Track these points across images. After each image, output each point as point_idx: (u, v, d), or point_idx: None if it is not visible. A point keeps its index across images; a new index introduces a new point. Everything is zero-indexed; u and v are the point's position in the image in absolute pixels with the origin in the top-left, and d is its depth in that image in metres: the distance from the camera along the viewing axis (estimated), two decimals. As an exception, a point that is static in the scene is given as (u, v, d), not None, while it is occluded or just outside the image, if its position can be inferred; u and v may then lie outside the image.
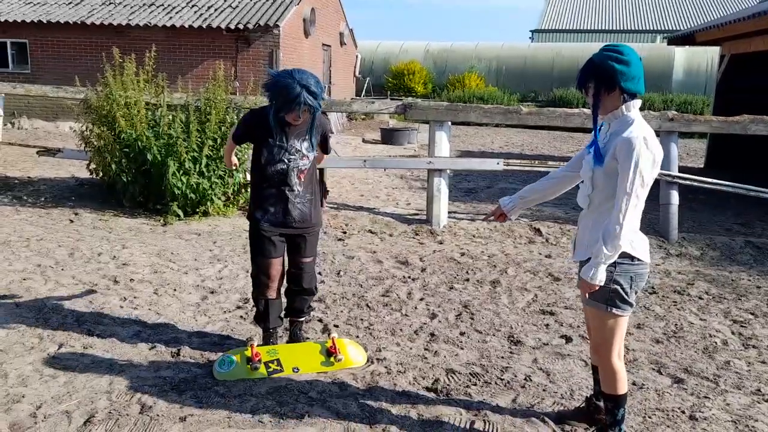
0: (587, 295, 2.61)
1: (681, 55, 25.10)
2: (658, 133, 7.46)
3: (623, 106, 2.53)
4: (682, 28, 28.82)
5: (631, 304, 2.63)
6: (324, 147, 3.65)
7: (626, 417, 3.06)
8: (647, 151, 2.42)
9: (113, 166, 6.87)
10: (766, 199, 6.88)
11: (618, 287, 2.56)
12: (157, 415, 2.96)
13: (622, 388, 2.71)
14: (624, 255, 2.53)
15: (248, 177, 7.16)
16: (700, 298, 4.96)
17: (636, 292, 2.63)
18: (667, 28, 36.42)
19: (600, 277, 2.49)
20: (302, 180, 3.45)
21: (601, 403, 2.95)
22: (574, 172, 2.91)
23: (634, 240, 2.53)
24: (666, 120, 6.64)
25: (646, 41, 34.29)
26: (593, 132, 2.64)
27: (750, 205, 8.46)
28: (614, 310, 2.60)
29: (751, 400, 3.32)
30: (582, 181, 2.78)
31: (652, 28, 39.58)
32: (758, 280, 5.47)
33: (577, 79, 2.63)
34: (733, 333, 4.25)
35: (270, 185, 3.42)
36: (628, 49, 2.52)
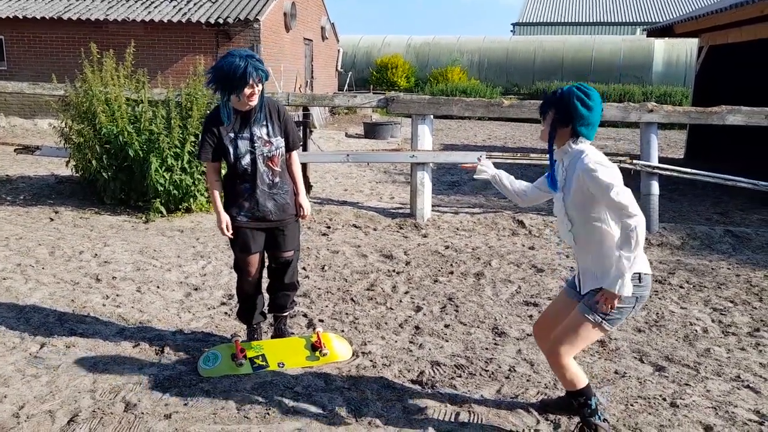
0: (588, 304, 2.64)
1: (660, 46, 25.34)
2: (637, 125, 7.54)
3: (570, 141, 2.65)
4: (661, 20, 29.09)
5: (620, 322, 2.70)
6: (287, 140, 3.46)
7: (609, 405, 3.11)
8: (608, 168, 2.53)
9: (94, 162, 6.79)
10: (744, 189, 6.99)
11: (623, 306, 2.60)
12: (142, 413, 2.95)
13: (583, 380, 2.75)
14: (633, 276, 2.55)
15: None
16: (681, 287, 5.03)
17: (633, 314, 2.69)
18: (646, 20, 36.74)
19: (628, 288, 2.50)
20: (272, 168, 3.39)
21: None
22: (540, 190, 2.98)
23: (638, 256, 2.54)
24: (646, 111, 6.70)
25: (626, 33, 34.56)
26: (549, 158, 2.77)
27: (729, 195, 8.59)
28: (605, 324, 2.64)
29: (731, 386, 3.37)
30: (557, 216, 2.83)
31: (631, 20, 39.89)
32: (737, 268, 5.56)
33: (540, 104, 2.71)
34: (713, 321, 4.32)
35: (242, 179, 3.38)
36: (597, 95, 2.63)
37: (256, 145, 3.34)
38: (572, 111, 2.58)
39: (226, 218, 3.38)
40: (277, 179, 3.42)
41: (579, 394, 2.76)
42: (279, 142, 3.40)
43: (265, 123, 3.37)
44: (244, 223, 3.42)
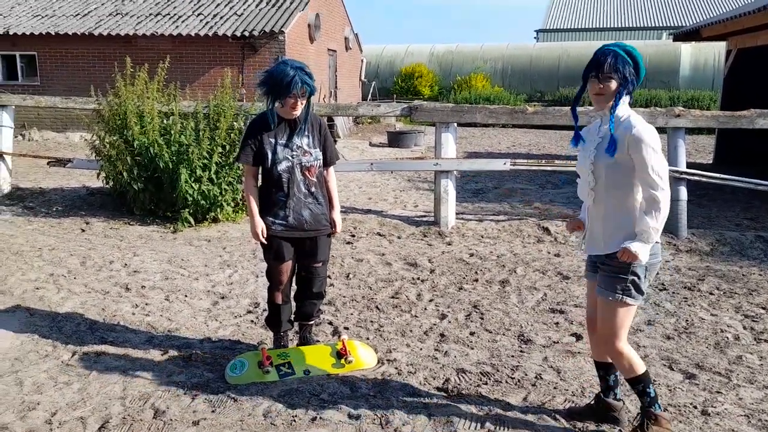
0: (604, 285, 2.70)
1: (687, 51, 24.98)
2: (665, 130, 7.46)
3: (617, 101, 2.65)
4: (687, 24, 28.72)
5: (643, 293, 2.73)
6: (325, 155, 3.54)
7: (637, 413, 3.06)
8: (657, 139, 2.59)
9: (125, 174, 6.93)
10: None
11: (635, 277, 2.66)
12: (171, 420, 2.99)
13: (641, 367, 2.78)
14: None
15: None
16: (711, 293, 4.94)
17: (648, 282, 2.73)
18: (672, 25, 36.26)
19: (645, 255, 2.59)
20: (309, 179, 3.47)
21: (611, 400, 2.96)
22: None
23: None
24: (673, 116, 6.62)
25: (652, 38, 34.16)
26: (573, 114, 2.85)
27: (759, 200, 8.41)
28: (628, 299, 2.68)
29: (764, 394, 3.30)
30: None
31: (657, 25, 39.40)
32: (769, 274, 5.44)
33: (604, 64, 2.60)
34: (744, 328, 4.23)
35: (278, 188, 3.45)
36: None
37: (295, 153, 3.43)
38: (636, 72, 2.61)
39: (261, 224, 3.44)
40: (313, 189, 3.49)
41: (637, 381, 2.78)
42: (317, 153, 3.49)
43: (307, 134, 3.47)
44: (279, 231, 3.47)
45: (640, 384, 2.79)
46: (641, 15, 41.95)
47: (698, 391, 3.33)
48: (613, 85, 2.62)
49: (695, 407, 3.15)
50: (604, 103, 2.66)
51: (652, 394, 2.80)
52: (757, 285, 5.14)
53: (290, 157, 3.42)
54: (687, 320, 4.36)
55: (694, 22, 27.93)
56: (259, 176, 3.56)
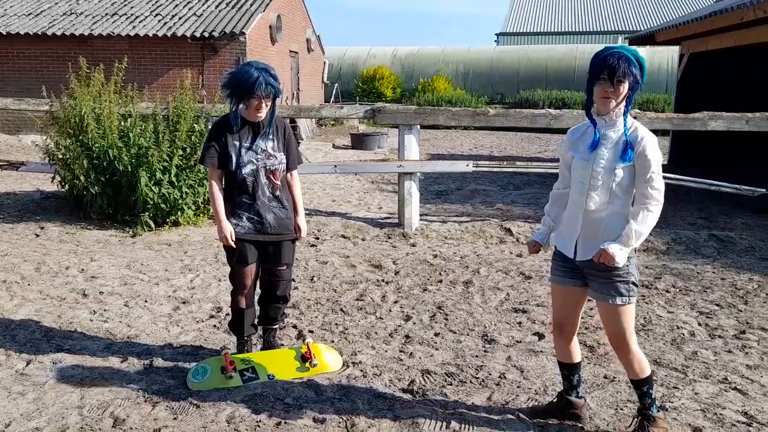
0: (606, 291, 2.71)
1: (642, 54, 25.61)
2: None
3: (623, 108, 2.66)
4: (642, 28, 29.47)
5: (637, 287, 2.80)
6: (288, 158, 3.50)
7: (599, 410, 3.12)
8: (659, 149, 2.67)
9: (82, 178, 6.74)
10: (727, 193, 7.07)
11: (633, 278, 2.72)
12: (131, 428, 2.92)
13: (648, 368, 2.83)
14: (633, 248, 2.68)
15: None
16: (667, 291, 5.08)
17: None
18: (628, 29, 37.17)
19: (623, 258, 2.63)
20: (273, 182, 3.44)
21: (573, 398, 3.00)
22: (562, 197, 2.93)
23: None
24: (629, 118, 6.77)
25: (608, 42, 34.94)
26: (590, 119, 2.75)
27: (713, 200, 8.69)
28: (631, 299, 2.73)
29: (719, 388, 3.40)
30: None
31: (613, 29, 40.34)
32: (722, 272, 5.62)
33: (617, 69, 2.57)
34: (699, 324, 4.36)
35: (242, 191, 3.41)
36: None
37: (259, 157, 3.39)
38: (642, 77, 2.62)
39: (229, 227, 3.39)
40: (277, 192, 3.46)
41: (643, 382, 2.82)
42: (282, 157, 3.46)
43: (271, 137, 3.43)
44: (242, 234, 3.43)
45: (645, 385, 2.83)
46: (598, 19, 42.92)
47: (656, 386, 3.41)
48: (624, 88, 2.60)
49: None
50: (613, 107, 2.64)
51: (653, 396, 2.85)
52: (711, 282, 5.30)
53: (254, 161, 3.39)
54: (645, 317, 4.46)
55: (649, 26, 28.69)
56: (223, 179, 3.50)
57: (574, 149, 2.80)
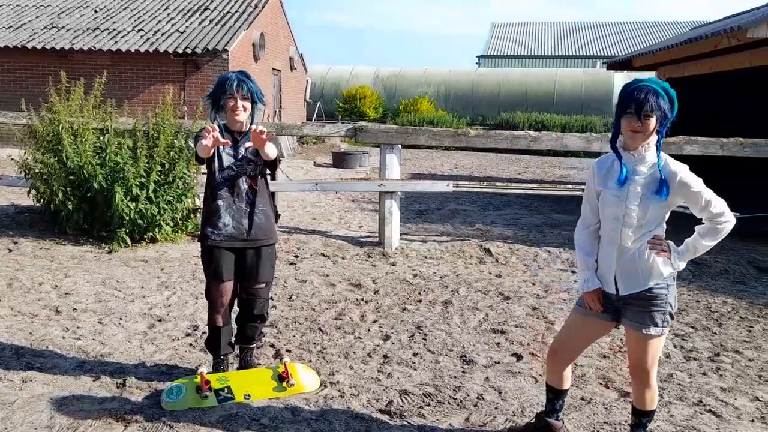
0: (641, 320, 2.67)
1: (621, 79, 26.13)
2: (600, 154, 7.72)
3: (652, 142, 2.62)
4: (620, 53, 30.09)
5: (674, 320, 2.79)
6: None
7: None
8: (691, 172, 2.63)
9: (59, 194, 6.64)
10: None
11: (670, 308, 2.68)
12: (102, 449, 2.85)
13: (656, 403, 2.85)
14: (671, 275, 2.67)
15: (197, 202, 7.06)
16: (644, 313, 5.12)
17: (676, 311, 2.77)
18: (606, 54, 37.95)
19: (681, 264, 2.67)
20: (252, 187, 3.43)
21: (552, 420, 3.00)
22: (595, 232, 2.87)
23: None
24: (607, 141, 6.87)
25: (587, 66, 35.61)
26: (617, 155, 2.68)
27: (688, 223, 8.81)
28: (665, 330, 2.70)
29: (694, 411, 3.43)
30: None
31: (592, 54, 41.17)
32: (697, 294, 5.69)
33: (643, 101, 2.51)
34: (675, 346, 4.39)
35: (220, 196, 3.40)
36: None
37: (239, 163, 3.40)
38: (672, 110, 2.57)
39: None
40: (256, 198, 3.45)
41: (646, 414, 2.83)
42: (260, 161, 3.44)
43: (251, 143, 3.41)
44: (219, 242, 3.40)
45: (645, 418, 2.84)
46: (577, 44, 43.76)
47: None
48: (652, 123, 2.54)
49: (630, 424, 3.23)
50: (641, 141, 2.59)
51: (647, 429, 2.88)
52: (686, 305, 5.36)
53: (234, 168, 3.40)
54: (622, 339, 4.48)
55: (627, 51, 29.30)
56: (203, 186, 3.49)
57: (602, 183, 2.73)
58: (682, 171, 2.60)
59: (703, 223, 2.67)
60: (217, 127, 3.23)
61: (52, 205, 6.91)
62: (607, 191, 2.70)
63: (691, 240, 2.68)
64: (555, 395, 3.00)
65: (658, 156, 2.62)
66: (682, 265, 2.70)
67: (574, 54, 42.17)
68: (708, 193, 2.61)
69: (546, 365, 3.07)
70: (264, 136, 3.18)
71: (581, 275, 2.85)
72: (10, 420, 3.09)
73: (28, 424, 3.06)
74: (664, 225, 2.73)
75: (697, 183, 2.61)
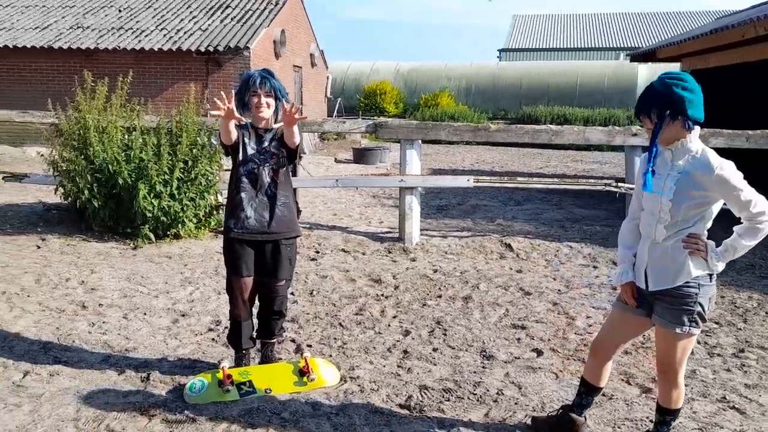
0: (668, 317, 2.63)
1: (644, 71, 25.77)
2: (622, 148, 7.62)
3: (689, 135, 2.56)
4: (644, 45, 29.65)
5: (705, 322, 2.70)
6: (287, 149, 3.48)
7: (596, 428, 3.11)
8: (735, 170, 2.52)
9: (86, 191, 6.77)
10: (728, 211, 7.05)
11: (701, 309, 2.62)
12: (127, 442, 2.92)
13: (682, 401, 2.80)
14: (706, 275, 2.60)
15: (220, 198, 7.14)
16: (667, 308, 5.06)
17: (709, 312, 2.68)
18: (630, 46, 37.39)
19: (718, 265, 2.58)
20: (275, 180, 3.47)
21: (576, 416, 2.99)
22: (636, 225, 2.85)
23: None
24: (630, 135, 6.80)
25: (610, 58, 35.13)
26: (650, 160, 2.63)
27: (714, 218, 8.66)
28: (693, 330, 2.64)
29: (717, 407, 3.39)
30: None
31: (615, 46, 40.58)
32: (722, 290, 5.60)
33: (637, 106, 2.59)
34: (698, 342, 4.34)
35: (243, 188, 3.44)
36: (689, 76, 2.55)
37: (263, 157, 3.45)
38: (679, 100, 2.49)
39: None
40: (277, 191, 3.48)
41: (670, 413, 2.80)
42: (284, 153, 3.48)
43: (274, 137, 3.48)
44: (240, 234, 3.44)
45: (670, 416, 2.81)
46: (600, 36, 43.18)
47: (654, 405, 3.39)
48: (648, 123, 2.57)
49: (651, 421, 3.20)
50: (657, 138, 2.57)
51: (671, 427, 2.85)
52: (711, 299, 5.28)
53: (257, 161, 3.44)
54: (644, 335, 4.43)
55: (651, 43, 28.85)
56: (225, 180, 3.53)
57: (642, 180, 2.73)
58: (721, 166, 2.51)
59: (742, 223, 2.59)
60: (233, 95, 3.29)
61: (78, 203, 7.04)
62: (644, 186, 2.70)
63: (730, 240, 2.59)
64: (588, 391, 3.00)
65: (693, 149, 2.57)
66: (721, 267, 2.60)
67: (596, 46, 41.63)
68: (748, 192, 2.50)
69: (587, 360, 3.06)
70: (296, 116, 3.24)
71: (618, 268, 2.87)
72: (38, 412, 3.17)
73: (55, 416, 3.14)
74: (707, 224, 2.64)
75: (736, 180, 2.50)
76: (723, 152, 2.72)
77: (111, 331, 4.30)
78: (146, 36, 15.36)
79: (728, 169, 2.51)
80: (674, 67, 15.81)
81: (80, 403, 3.27)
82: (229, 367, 3.54)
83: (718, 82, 11.93)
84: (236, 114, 3.28)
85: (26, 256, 6.19)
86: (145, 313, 4.66)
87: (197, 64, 14.96)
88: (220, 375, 3.43)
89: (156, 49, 14.73)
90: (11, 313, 4.56)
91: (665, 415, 2.82)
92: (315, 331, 4.42)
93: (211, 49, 14.59)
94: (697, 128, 2.59)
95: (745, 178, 2.54)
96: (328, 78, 23.72)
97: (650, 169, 2.64)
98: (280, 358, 3.86)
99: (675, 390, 2.75)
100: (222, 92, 3.30)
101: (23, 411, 3.19)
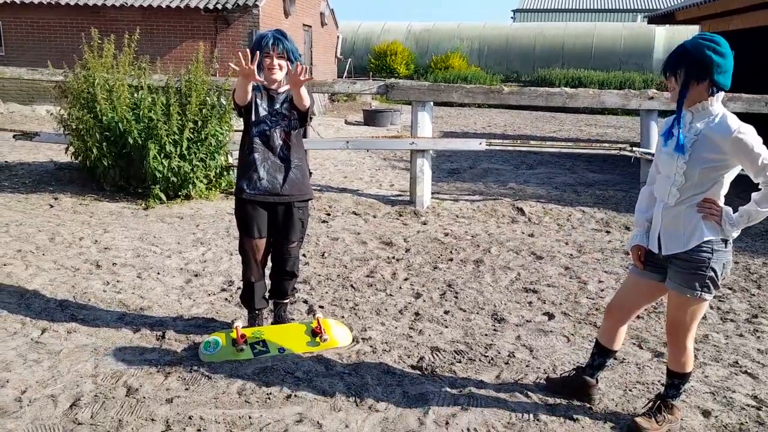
0: (679, 280, 2.61)
1: (662, 34, 25.24)
2: (638, 112, 7.51)
3: (711, 99, 2.52)
4: (662, 7, 28.94)
5: (718, 288, 2.68)
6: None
7: (608, 390, 3.13)
8: (755, 135, 2.46)
9: (94, 150, 6.77)
10: (744, 176, 6.97)
11: (713, 274, 2.59)
12: (144, 398, 2.97)
13: (691, 365, 2.79)
14: (720, 241, 2.57)
15: (230, 159, 7.12)
16: (680, 274, 5.04)
17: (724, 278, 2.66)
18: (647, 7, 36.54)
19: (731, 232, 2.56)
20: (287, 142, 3.45)
21: (588, 378, 3.01)
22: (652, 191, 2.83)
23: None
24: (646, 98, 6.69)
25: (627, 20, 34.39)
26: (676, 122, 2.58)
27: (731, 183, 8.57)
28: (704, 295, 2.62)
29: (729, 372, 3.40)
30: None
31: (632, 7, 39.67)
32: (736, 255, 5.56)
33: (665, 64, 2.57)
34: (711, 307, 4.33)
35: (255, 149, 3.43)
36: (724, 41, 2.49)
37: (274, 119, 3.43)
38: (707, 63, 2.45)
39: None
40: (290, 153, 3.47)
41: (680, 376, 2.80)
42: (296, 113, 3.45)
43: (286, 99, 3.45)
44: (252, 196, 3.44)
45: (680, 379, 2.81)
46: (617, -3, 42.13)
47: (665, 369, 3.40)
48: (673, 82, 2.53)
49: (663, 384, 3.22)
50: (677, 99, 2.55)
51: (681, 390, 2.84)
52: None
53: (269, 122, 3.42)
54: (657, 300, 4.44)
55: (669, 5, 28.17)
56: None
57: (662, 142, 2.70)
58: (740, 129, 2.45)
59: (760, 189, 2.54)
60: (248, 52, 3.21)
61: (88, 162, 7.04)
62: (663, 148, 2.67)
63: (746, 207, 2.56)
64: (601, 354, 3.01)
65: (713, 112, 2.52)
66: (735, 233, 2.58)
67: (613, 7, 40.70)
68: (764, 158, 2.45)
69: (602, 322, 3.07)
70: (302, 77, 3.18)
71: (632, 232, 2.86)
72: (57, 368, 3.23)
73: (74, 372, 3.19)
74: (723, 189, 2.60)
75: (755, 143, 2.45)
76: (741, 117, 2.66)
77: (125, 290, 4.34)
78: (154, -7, 15.13)
79: (748, 133, 2.46)
80: (694, 30, 15.43)
81: (98, 359, 3.33)
82: (243, 327, 3.57)
83: (742, 45, 11.66)
84: (256, 75, 3.23)
85: (40, 214, 6.23)
86: (158, 273, 4.70)
87: (205, 22, 14.76)
88: (233, 334, 3.46)
89: (164, 6, 14.53)
90: (27, 272, 4.60)
91: (674, 378, 2.83)
92: (327, 292, 4.45)
93: (219, 6, 14.37)
94: (721, 93, 2.54)
95: (765, 143, 2.49)
96: (338, 38, 23.37)
97: (672, 129, 2.60)
98: (293, 319, 3.89)
99: (682, 353, 2.75)
100: (246, 50, 3.24)
101: (42, 367, 3.24)
